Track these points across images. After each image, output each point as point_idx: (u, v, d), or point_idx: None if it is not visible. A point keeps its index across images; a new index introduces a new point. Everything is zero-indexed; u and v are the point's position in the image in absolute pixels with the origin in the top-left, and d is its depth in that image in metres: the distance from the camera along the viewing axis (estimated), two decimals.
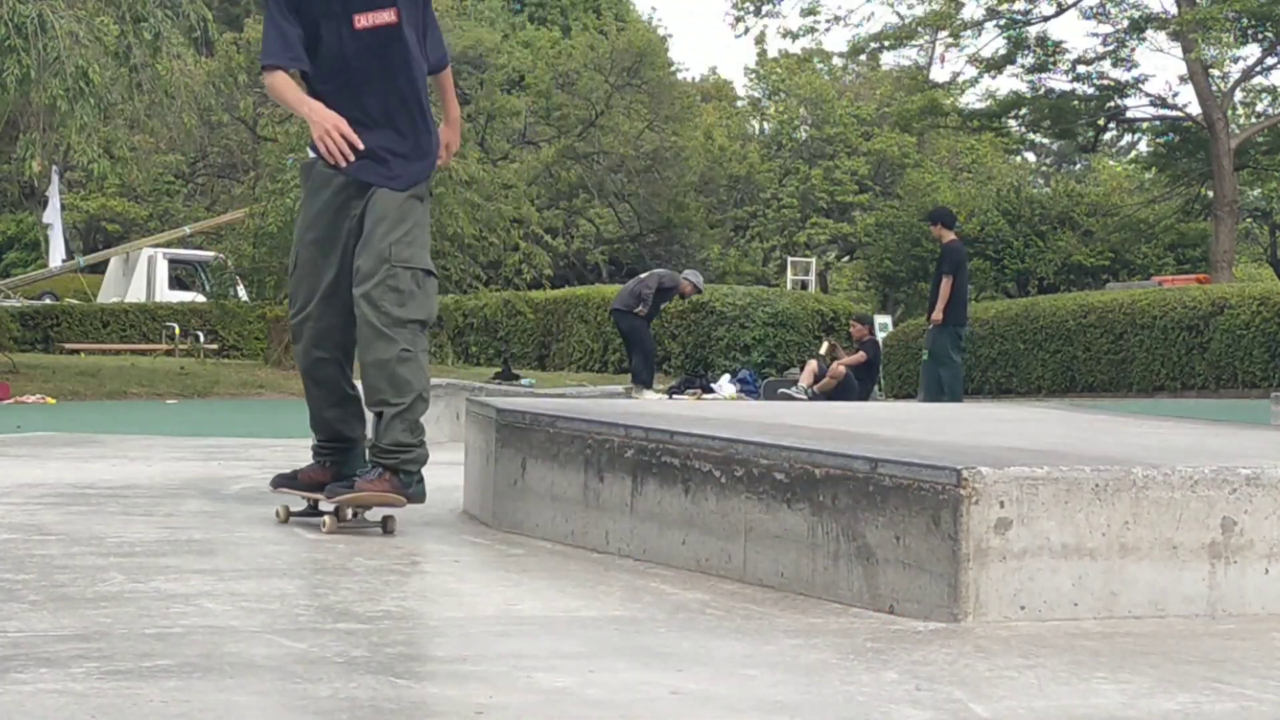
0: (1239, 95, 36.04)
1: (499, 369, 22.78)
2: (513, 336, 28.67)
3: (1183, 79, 35.67)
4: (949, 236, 14.10)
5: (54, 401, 16.99)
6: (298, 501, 4.76)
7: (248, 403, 17.99)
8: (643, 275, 18.15)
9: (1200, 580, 3.21)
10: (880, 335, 27.10)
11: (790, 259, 37.58)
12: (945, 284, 13.53)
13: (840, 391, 17.13)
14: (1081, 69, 34.88)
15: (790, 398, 16.92)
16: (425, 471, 4.56)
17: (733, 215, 44.91)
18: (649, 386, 16.91)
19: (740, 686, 2.55)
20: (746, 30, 37.44)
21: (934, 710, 2.39)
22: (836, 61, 43.12)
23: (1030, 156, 56.72)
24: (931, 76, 38.66)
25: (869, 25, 37.78)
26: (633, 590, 3.52)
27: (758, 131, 49.60)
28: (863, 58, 38.37)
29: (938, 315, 13.50)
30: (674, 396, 17.30)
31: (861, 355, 17.89)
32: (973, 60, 35.09)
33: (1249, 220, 41.66)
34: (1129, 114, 36.53)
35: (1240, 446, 4.07)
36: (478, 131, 37.60)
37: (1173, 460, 3.36)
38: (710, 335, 25.45)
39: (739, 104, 51.27)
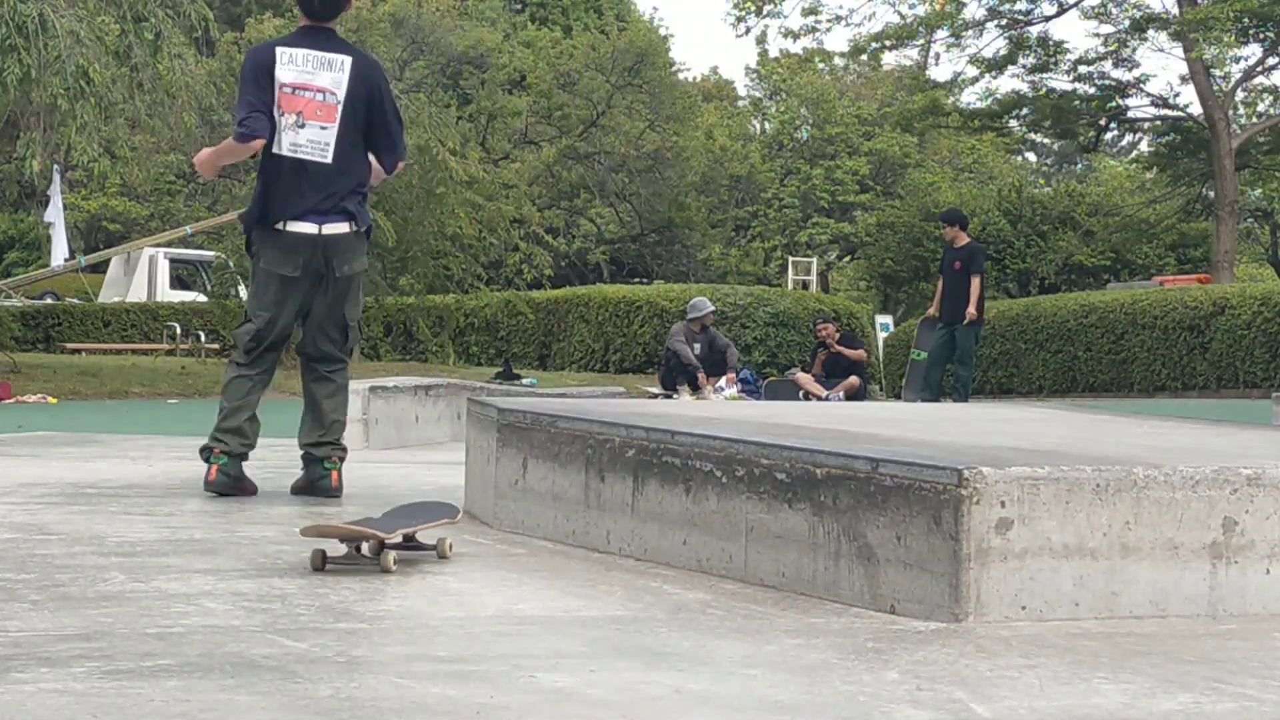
0: (1240, 95, 36.03)
1: (500, 369, 22.77)
2: (514, 336, 28.65)
3: (1184, 79, 35.68)
4: (964, 239, 14.17)
5: (55, 401, 16.99)
6: None
7: None
8: (672, 349, 16.85)
9: (1201, 580, 3.21)
10: (881, 335, 27.12)
11: (791, 259, 37.58)
12: (976, 283, 13.68)
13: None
14: (1083, 69, 34.88)
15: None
16: (426, 471, 4.52)
17: (734, 215, 44.86)
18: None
19: (741, 686, 2.55)
20: (748, 30, 37.41)
21: (935, 710, 2.39)
22: (838, 61, 43.06)
23: (1031, 156, 56.72)
24: (932, 77, 38.61)
25: (870, 25, 37.59)
26: (634, 590, 3.52)
27: (759, 131, 49.58)
28: (864, 58, 38.32)
29: (972, 311, 13.59)
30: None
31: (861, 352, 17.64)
32: (974, 61, 35.08)
33: (1250, 220, 41.65)
34: (1130, 114, 36.52)
35: (1241, 446, 4.06)
36: (479, 132, 37.58)
37: (1174, 460, 3.36)
38: None
39: (740, 104, 51.25)
